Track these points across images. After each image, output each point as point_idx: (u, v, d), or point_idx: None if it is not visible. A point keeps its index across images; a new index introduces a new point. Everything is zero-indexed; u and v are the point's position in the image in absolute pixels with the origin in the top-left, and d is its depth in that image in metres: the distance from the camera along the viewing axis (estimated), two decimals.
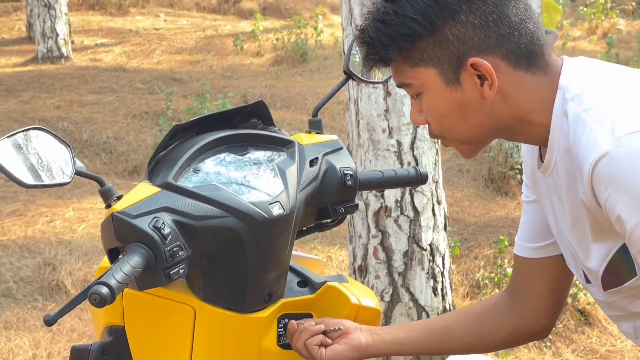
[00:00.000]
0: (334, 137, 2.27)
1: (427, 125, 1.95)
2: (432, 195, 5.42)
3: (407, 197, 5.38)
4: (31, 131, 2.01)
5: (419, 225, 5.39)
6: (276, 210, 2.01)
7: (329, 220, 2.24)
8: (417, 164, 5.37)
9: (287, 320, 2.13)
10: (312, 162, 2.16)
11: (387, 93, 5.31)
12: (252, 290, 2.05)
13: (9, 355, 5.29)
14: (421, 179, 2.37)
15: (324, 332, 2.13)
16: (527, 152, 2.07)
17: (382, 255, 5.37)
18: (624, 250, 1.84)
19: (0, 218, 7.03)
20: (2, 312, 5.87)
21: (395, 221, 5.37)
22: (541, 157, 1.96)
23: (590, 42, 14.87)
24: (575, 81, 1.83)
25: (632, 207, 1.69)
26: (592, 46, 14.46)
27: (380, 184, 2.36)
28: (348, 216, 5.49)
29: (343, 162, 2.20)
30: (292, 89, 11.30)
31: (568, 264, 2.05)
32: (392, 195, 5.37)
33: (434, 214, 5.42)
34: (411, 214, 5.37)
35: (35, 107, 9.99)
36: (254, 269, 2.03)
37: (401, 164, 5.37)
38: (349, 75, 2.32)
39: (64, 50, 13.38)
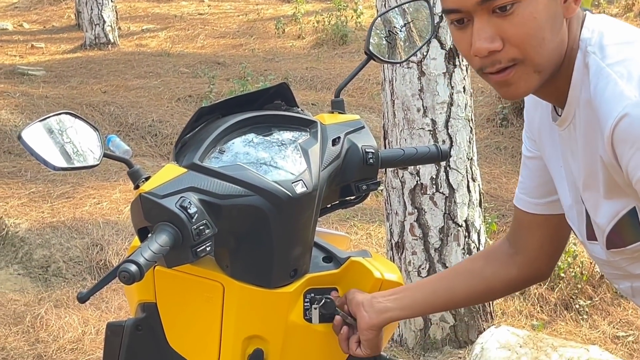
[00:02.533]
0: (356, 116, 2.26)
1: (488, 58, 1.75)
2: (467, 172, 5.41)
3: (442, 174, 5.38)
4: (62, 115, 2.03)
5: (454, 201, 5.39)
6: (299, 189, 2.01)
7: (352, 198, 2.23)
8: (451, 143, 5.37)
9: (312, 294, 2.12)
10: (335, 142, 2.15)
11: (422, 73, 5.31)
12: (278, 266, 2.06)
13: (60, 332, 5.36)
14: (442, 155, 2.34)
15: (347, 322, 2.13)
16: (533, 106, 2.02)
17: (418, 231, 5.38)
18: (633, 213, 1.81)
19: (50, 200, 7.10)
20: (52, 291, 5.94)
21: (431, 198, 5.37)
22: (556, 110, 1.91)
23: (627, 20, 14.72)
24: (598, 35, 1.77)
25: None
26: (629, 23, 14.31)
27: (401, 161, 2.35)
28: (385, 194, 5.54)
29: (365, 141, 2.19)
30: (333, 70, 11.28)
31: (568, 220, 2.01)
32: (427, 172, 5.37)
33: (469, 191, 5.42)
34: (446, 191, 5.37)
35: (83, 93, 10.05)
36: (279, 246, 2.04)
37: (436, 142, 5.37)
38: (370, 56, 2.31)
39: (110, 36, 13.44)
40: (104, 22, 13.40)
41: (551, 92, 1.84)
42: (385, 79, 5.48)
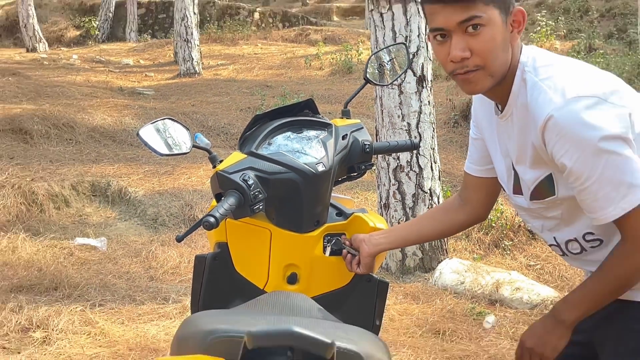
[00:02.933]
0: (358, 121, 2.24)
1: (459, 65, 1.74)
2: (430, 157, 5.39)
3: (414, 159, 5.35)
4: (165, 120, 2.03)
5: (422, 177, 5.37)
6: (320, 168, 2.00)
7: (354, 174, 2.21)
8: (420, 138, 5.34)
9: (329, 237, 2.10)
10: (344, 137, 2.14)
11: (401, 92, 5.28)
12: (306, 218, 2.04)
13: (164, 262, 5.36)
14: (414, 146, 2.33)
15: (352, 253, 2.11)
16: (479, 104, 2.01)
17: (398, 196, 5.37)
18: (549, 177, 1.81)
19: (158, 176, 7.09)
20: (159, 235, 5.95)
21: (407, 174, 5.35)
22: (497, 106, 1.89)
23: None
24: (531, 59, 1.77)
25: (572, 152, 1.66)
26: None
27: (387, 150, 2.33)
28: (376, 171, 5.50)
29: (363, 137, 2.18)
30: (342, 90, 11.24)
31: (500, 181, 2.01)
32: (404, 157, 5.35)
33: (432, 170, 5.40)
34: (417, 170, 5.35)
35: (179, 106, 10.05)
36: (307, 205, 2.02)
37: (411, 138, 5.34)
38: (367, 81, 2.30)
39: (197, 69, 13.40)
40: (192, 59, 13.37)
41: (496, 94, 1.83)
42: (377, 96, 5.46)
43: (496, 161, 1.98)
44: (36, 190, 6.19)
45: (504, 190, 2.01)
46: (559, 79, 1.71)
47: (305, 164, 2.00)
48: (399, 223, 5.30)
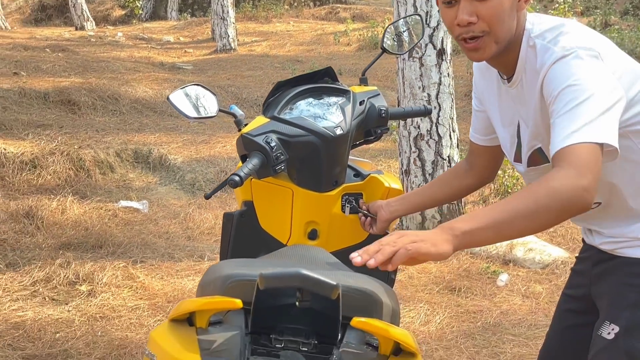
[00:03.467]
0: (374, 87, 2.22)
1: (466, 30, 1.69)
2: (449, 126, 5.36)
3: (434, 127, 5.33)
4: (194, 86, 2.04)
5: (441, 144, 5.34)
6: (338, 131, 1.99)
7: (371, 138, 2.19)
8: (440, 109, 5.31)
9: (348, 196, 2.10)
10: (361, 103, 2.12)
11: (421, 64, 5.24)
12: (325, 179, 2.04)
13: (201, 223, 5.41)
14: (427, 112, 2.32)
15: (370, 216, 2.12)
16: (479, 76, 1.98)
17: (418, 163, 5.35)
18: (540, 149, 1.79)
19: (195, 144, 7.13)
20: (197, 198, 6.01)
21: (427, 142, 5.33)
22: (501, 76, 1.84)
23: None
24: (536, 25, 1.72)
25: (559, 85, 1.59)
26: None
27: (402, 115, 2.31)
28: (398, 140, 5.48)
29: (380, 103, 2.16)
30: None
31: (503, 149, 1.96)
32: (424, 126, 5.32)
33: (450, 138, 5.36)
34: (436, 138, 5.32)
35: (216, 79, 10.06)
36: (326, 166, 2.02)
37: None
38: (384, 50, 2.28)
39: (232, 45, 13.38)
40: (228, 35, 13.34)
41: (501, 62, 1.78)
42: (399, 68, 5.42)
43: (499, 130, 1.95)
44: (83, 157, 6.26)
45: (507, 157, 1.99)
46: (564, 38, 1.66)
47: (324, 127, 1.99)
48: (417, 187, 5.29)
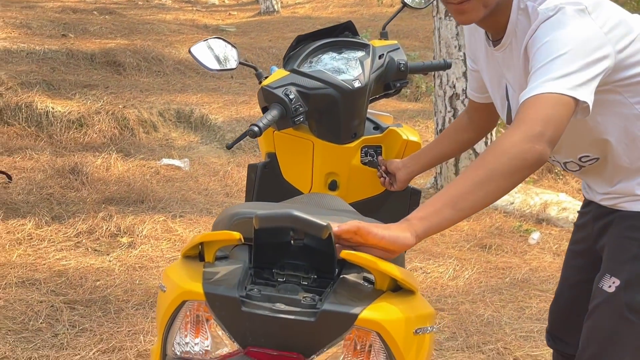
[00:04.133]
0: (395, 42, 2.21)
1: None
2: None
3: None
4: (215, 39, 2.08)
5: None
6: (356, 84, 2.01)
7: (390, 91, 2.19)
8: None
9: (366, 148, 2.12)
10: (380, 57, 2.12)
11: (458, 23, 5.22)
12: (344, 131, 2.06)
13: (238, 180, 5.49)
14: (447, 65, 2.31)
15: (387, 172, 2.14)
16: (469, 36, 1.97)
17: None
18: None
19: (236, 105, 7.19)
20: (236, 157, 6.09)
21: (462, 102, 5.31)
22: (488, 36, 1.80)
23: None
24: None
25: (539, 43, 1.55)
26: None
27: (422, 69, 2.30)
28: (434, 100, 5.48)
29: (399, 56, 2.15)
30: (410, 26, 11.04)
31: (497, 109, 1.95)
32: (460, 86, 5.31)
33: None
34: None
35: (257, 41, 10.09)
36: (345, 119, 2.03)
37: (466, 67, 5.29)
38: (404, 4, 2.30)
39: (276, 7, 13.37)
40: None
41: (491, 24, 1.74)
42: (435, 28, 5.40)
43: (491, 91, 1.94)
44: (128, 116, 6.40)
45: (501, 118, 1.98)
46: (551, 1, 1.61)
47: (342, 80, 2.01)
48: None
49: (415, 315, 1.32)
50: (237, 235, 1.28)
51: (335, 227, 1.32)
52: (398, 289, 1.38)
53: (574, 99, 1.46)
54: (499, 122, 2.19)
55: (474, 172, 1.38)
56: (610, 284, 1.79)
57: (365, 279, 1.38)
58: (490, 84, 1.92)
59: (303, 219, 1.27)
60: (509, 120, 1.88)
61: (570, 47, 1.51)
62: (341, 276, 1.36)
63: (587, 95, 1.49)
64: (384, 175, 2.15)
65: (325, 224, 1.27)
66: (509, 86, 1.83)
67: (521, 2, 1.68)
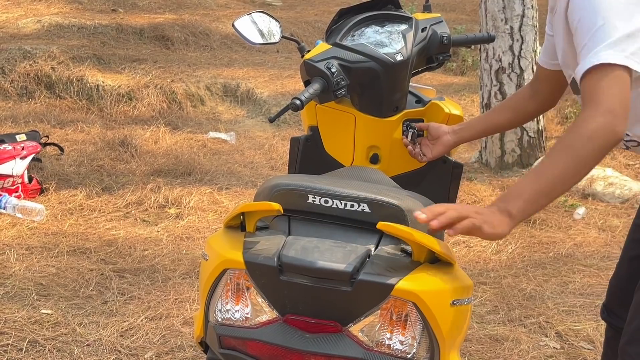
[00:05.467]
0: (438, 14, 2.18)
1: None
2: (531, 59, 5.24)
3: (516, 61, 5.23)
4: (258, 13, 2.08)
5: (523, 78, 5.25)
6: (399, 58, 1.99)
7: (433, 65, 2.17)
8: (522, 42, 5.19)
9: (408, 122, 2.11)
10: (423, 30, 2.10)
11: None
12: (386, 104, 2.05)
13: (283, 154, 5.51)
14: (490, 38, 2.27)
15: (423, 132, 2.09)
16: (552, 1, 1.90)
17: (499, 96, 5.28)
18: (574, 80, 1.74)
19: (281, 79, 7.21)
20: (281, 131, 6.13)
21: (508, 76, 5.24)
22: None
23: None
24: None
25: (578, 13, 1.56)
26: None
27: (465, 42, 2.26)
28: (479, 73, 5.41)
29: (442, 29, 2.12)
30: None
31: (567, 77, 1.91)
32: (506, 59, 5.23)
33: (533, 71, 5.25)
34: (518, 71, 5.23)
35: (303, 15, 10.06)
36: (387, 92, 2.02)
37: (512, 40, 5.21)
38: None
39: None
40: None
41: None
42: (482, 1, 5.32)
43: (562, 60, 1.90)
44: (175, 90, 6.48)
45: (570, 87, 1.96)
46: None
47: (384, 54, 1.99)
48: None
49: (452, 286, 1.32)
50: (276, 206, 1.30)
51: (435, 222, 1.34)
52: (436, 260, 1.38)
53: (630, 69, 1.47)
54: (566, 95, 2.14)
55: (564, 160, 1.43)
56: None
57: (403, 251, 1.39)
58: (558, 49, 1.88)
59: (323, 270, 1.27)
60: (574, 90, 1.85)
61: (605, 13, 1.50)
62: (379, 247, 1.37)
63: (637, 63, 1.48)
64: (415, 141, 2.11)
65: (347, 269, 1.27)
66: (558, 52, 1.81)
67: None
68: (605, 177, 5.00)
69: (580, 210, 4.56)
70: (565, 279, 3.59)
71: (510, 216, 1.41)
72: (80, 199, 4.26)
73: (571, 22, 1.59)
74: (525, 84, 5.22)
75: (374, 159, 2.14)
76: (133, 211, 4.18)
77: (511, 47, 5.22)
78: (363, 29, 2.10)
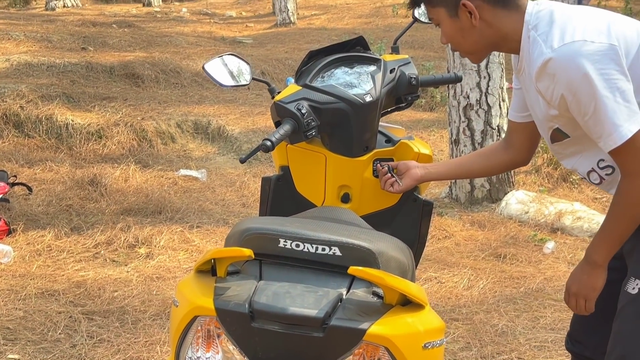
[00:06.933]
0: (406, 56, 2.21)
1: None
2: (499, 96, 5.32)
3: (483, 97, 5.29)
4: (228, 56, 2.10)
5: (491, 114, 5.31)
6: (368, 98, 2.02)
7: (402, 105, 2.21)
8: (489, 79, 5.26)
9: (378, 162, 2.13)
10: (392, 71, 2.13)
11: None
12: (356, 144, 2.07)
13: (254, 191, 5.49)
14: (457, 79, 2.32)
15: (393, 169, 2.11)
16: (514, 59, 2.00)
17: (467, 132, 5.33)
18: (558, 129, 1.88)
19: (252, 116, 7.20)
20: (252, 168, 6.09)
21: (476, 112, 5.30)
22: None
23: (618, 1, 13.89)
24: (534, 17, 1.80)
25: (568, 92, 1.70)
26: (617, 3, 13.49)
27: (433, 82, 2.30)
28: (448, 110, 5.46)
29: (410, 70, 2.17)
30: (425, 36, 10.98)
31: (538, 127, 2.01)
32: (474, 96, 5.30)
33: (500, 107, 5.33)
34: (485, 108, 5.30)
35: (274, 52, 10.11)
36: (357, 132, 2.04)
37: (479, 78, 5.28)
38: (415, 20, 2.30)
39: (292, 19, 13.38)
40: (288, 9, 13.36)
41: (512, 50, 1.89)
42: None
43: (531, 111, 2.01)
44: (146, 128, 6.45)
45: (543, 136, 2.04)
46: (553, 30, 1.74)
47: (354, 95, 2.02)
48: None
49: (424, 329, 1.32)
50: (247, 252, 1.29)
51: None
52: (407, 302, 1.38)
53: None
54: (539, 145, 2.22)
55: (621, 225, 1.82)
56: (634, 286, 1.85)
57: (375, 294, 1.38)
58: (529, 103, 1.97)
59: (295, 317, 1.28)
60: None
61: (605, 83, 1.68)
62: (351, 290, 1.36)
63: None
64: (390, 173, 2.13)
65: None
66: (530, 107, 1.93)
67: (528, 31, 1.80)
68: (574, 211, 5.06)
69: (550, 245, 4.59)
70: (536, 314, 3.60)
71: (601, 268, 1.86)
72: (49, 240, 4.19)
73: (549, 95, 1.76)
74: (493, 120, 5.31)
75: (345, 199, 2.15)
76: (102, 251, 4.13)
77: (478, 84, 5.29)
78: (333, 70, 2.13)
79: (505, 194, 5.35)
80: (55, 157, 5.82)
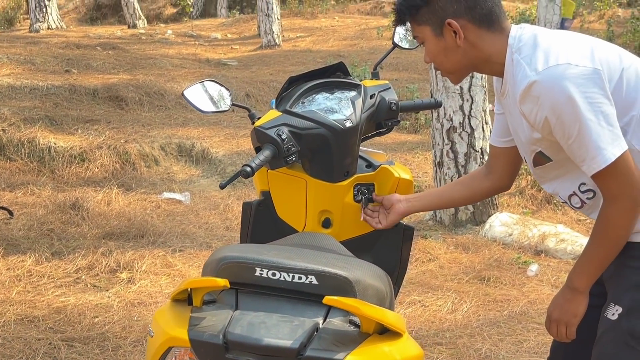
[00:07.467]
0: (386, 81, 2.23)
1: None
2: (482, 118, 5.35)
3: (467, 120, 5.32)
4: (208, 82, 2.10)
5: (474, 137, 5.34)
6: (348, 124, 2.03)
7: (382, 130, 2.22)
8: (472, 102, 5.30)
9: (359, 186, 2.14)
10: (372, 96, 2.15)
11: None
12: (337, 169, 2.08)
13: (239, 214, 5.47)
14: (437, 104, 2.34)
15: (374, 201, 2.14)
16: (496, 82, 2.02)
17: (451, 155, 5.35)
18: (540, 153, 1.88)
19: (237, 138, 7.19)
20: (236, 190, 6.06)
21: (459, 135, 5.33)
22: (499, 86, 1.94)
23: (600, 24, 14.07)
24: (517, 40, 1.81)
25: (552, 115, 1.71)
26: (600, 26, 13.66)
27: (413, 108, 2.32)
28: (431, 133, 5.48)
29: (390, 96, 2.18)
30: (409, 59, 11.04)
31: (520, 151, 2.02)
32: (457, 119, 5.32)
33: (483, 130, 5.36)
34: (469, 130, 5.33)
35: (258, 75, 10.13)
36: (337, 157, 2.05)
37: (462, 100, 5.31)
38: (395, 45, 2.32)
39: (277, 41, 13.43)
40: (273, 32, 13.41)
41: (493, 72, 1.90)
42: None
43: (513, 134, 2.01)
44: (129, 151, 6.43)
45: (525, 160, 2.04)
46: (537, 53, 1.75)
47: (334, 120, 2.03)
48: (452, 180, 5.29)
49: (401, 358, 1.31)
50: (222, 282, 1.28)
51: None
52: (385, 331, 1.37)
53: (623, 151, 1.72)
54: (523, 167, 2.22)
55: (604, 250, 1.82)
56: (613, 312, 1.85)
57: (352, 322, 1.37)
58: (512, 126, 1.98)
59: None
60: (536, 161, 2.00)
61: (588, 107, 1.69)
62: (328, 319, 1.35)
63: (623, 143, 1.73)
64: (372, 210, 2.16)
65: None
66: (513, 130, 1.93)
67: (512, 54, 1.81)
68: (557, 233, 5.08)
69: (534, 267, 4.60)
70: (520, 338, 3.60)
71: (582, 293, 1.87)
72: (29, 265, 4.16)
73: (533, 119, 1.76)
74: (476, 143, 5.33)
75: (326, 224, 2.16)
76: (83, 276, 4.09)
77: (461, 107, 5.32)
78: (313, 95, 2.14)
79: (489, 216, 5.36)
80: (37, 181, 5.78)
